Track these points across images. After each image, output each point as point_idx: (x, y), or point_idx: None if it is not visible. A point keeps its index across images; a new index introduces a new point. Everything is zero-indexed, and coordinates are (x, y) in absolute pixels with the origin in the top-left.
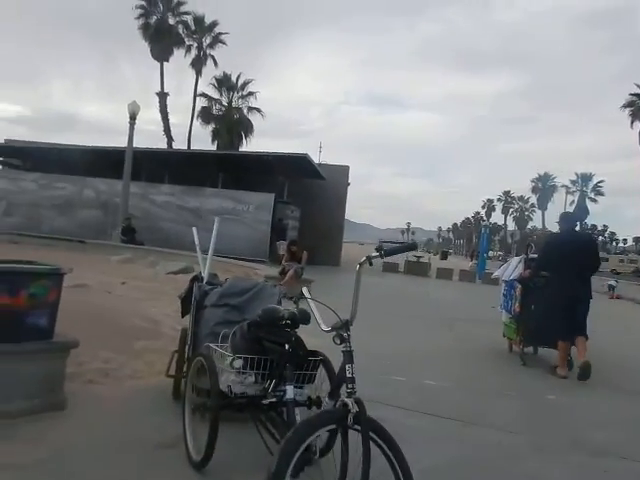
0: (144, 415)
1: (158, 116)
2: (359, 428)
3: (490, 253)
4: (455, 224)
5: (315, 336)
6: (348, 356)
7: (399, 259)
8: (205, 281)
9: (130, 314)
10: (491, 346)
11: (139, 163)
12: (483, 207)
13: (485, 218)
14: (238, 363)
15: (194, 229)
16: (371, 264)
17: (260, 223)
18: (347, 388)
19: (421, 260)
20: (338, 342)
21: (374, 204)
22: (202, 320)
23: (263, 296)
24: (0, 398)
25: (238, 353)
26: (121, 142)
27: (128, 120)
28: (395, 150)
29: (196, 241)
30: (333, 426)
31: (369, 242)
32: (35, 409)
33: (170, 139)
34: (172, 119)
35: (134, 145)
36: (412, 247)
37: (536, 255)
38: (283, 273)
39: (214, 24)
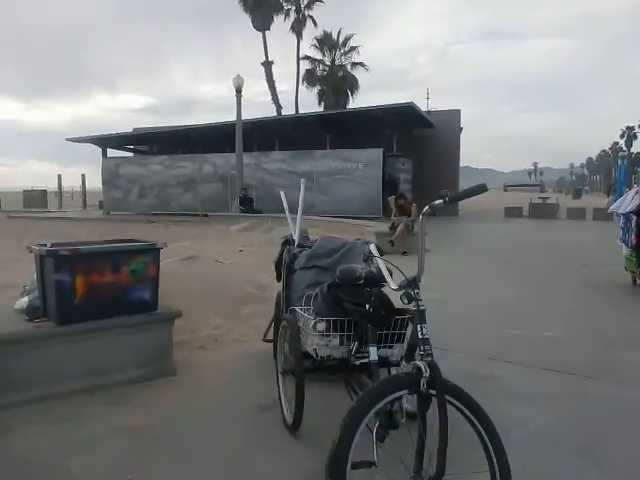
0: (248, 379)
1: (265, 86)
2: (434, 393)
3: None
4: (590, 158)
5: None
6: (420, 316)
7: (523, 201)
8: (296, 244)
9: (239, 281)
10: (617, 281)
11: (251, 134)
12: (622, 136)
13: (625, 148)
14: (321, 326)
15: (282, 193)
16: (434, 214)
17: (371, 179)
18: (420, 350)
19: (548, 201)
20: (406, 301)
21: (495, 147)
22: (293, 284)
23: (353, 255)
24: (115, 367)
25: (320, 315)
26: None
27: (235, 94)
28: (515, 86)
29: (285, 205)
30: (405, 391)
31: (493, 187)
32: (147, 376)
33: (279, 107)
34: (279, 86)
35: (246, 117)
36: (481, 189)
37: None
38: (393, 228)
39: None
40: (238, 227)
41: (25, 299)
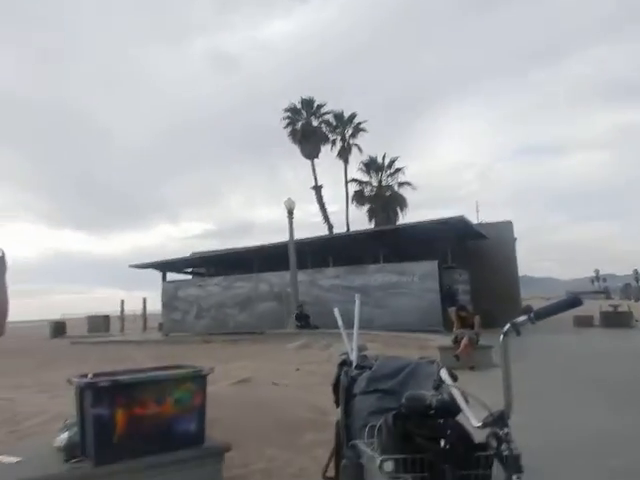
0: None
1: (317, 207)
2: None
3: None
4: None
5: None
6: (513, 463)
7: (592, 310)
8: (354, 365)
9: (296, 405)
10: None
11: (304, 252)
12: None
13: None
14: (388, 466)
15: (335, 310)
16: (518, 333)
17: (427, 292)
18: None
19: (619, 309)
20: (494, 444)
21: (553, 255)
22: (353, 411)
23: (418, 376)
24: None
25: (387, 452)
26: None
27: (287, 215)
28: (563, 196)
29: (339, 322)
30: None
31: (553, 295)
32: None
33: (330, 226)
34: (330, 207)
35: (300, 237)
36: (575, 302)
37: None
38: (457, 342)
39: (353, 116)
40: (295, 345)
41: (65, 435)
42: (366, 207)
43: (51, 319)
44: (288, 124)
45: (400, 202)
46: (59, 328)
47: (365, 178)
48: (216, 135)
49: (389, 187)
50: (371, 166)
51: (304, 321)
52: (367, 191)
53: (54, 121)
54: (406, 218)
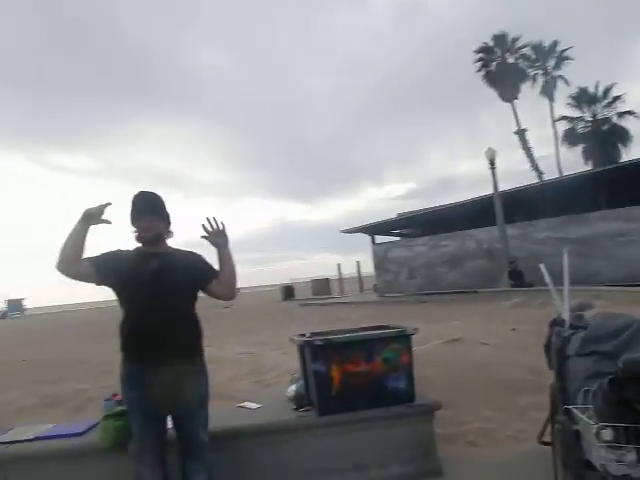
0: None
1: (522, 154)
2: None
3: None
4: None
5: None
6: None
7: None
8: (567, 324)
9: (511, 365)
10: None
11: (512, 205)
12: None
13: None
14: (607, 434)
15: (541, 266)
16: None
17: None
18: None
19: None
20: None
21: None
22: (567, 374)
23: None
24: (377, 463)
25: (603, 419)
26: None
27: (489, 166)
28: None
29: (547, 278)
30: None
31: None
32: (411, 475)
33: (540, 173)
34: (537, 152)
35: (504, 188)
36: None
37: None
38: None
39: (555, 44)
40: (509, 303)
41: (293, 387)
42: (580, 147)
43: (281, 284)
44: (482, 67)
45: (622, 136)
46: (289, 292)
47: (576, 114)
48: (407, 90)
49: (606, 120)
50: (582, 99)
51: (518, 279)
52: (579, 128)
53: (265, 99)
54: (631, 154)
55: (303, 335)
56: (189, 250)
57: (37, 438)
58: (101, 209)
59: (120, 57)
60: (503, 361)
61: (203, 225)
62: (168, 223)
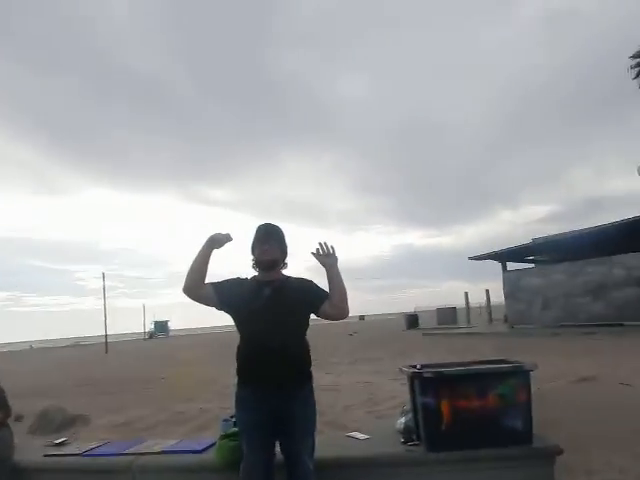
0: None
1: None
2: None
3: None
4: None
5: None
6: None
7: None
8: None
9: None
10: None
11: None
12: None
13: None
14: None
15: None
16: None
17: None
18: None
19: None
20: None
21: None
22: None
23: None
24: None
25: None
26: None
27: None
28: None
29: None
30: None
31: None
32: None
33: None
34: None
35: None
36: None
37: None
38: None
39: None
40: None
41: (402, 420)
42: None
43: (405, 312)
44: (638, 74)
45: None
46: (413, 320)
47: None
48: (549, 104)
49: None
50: None
51: None
52: None
53: (391, 128)
54: None
55: (414, 366)
56: (300, 277)
57: (163, 452)
58: (227, 236)
59: (262, 92)
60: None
61: (316, 248)
62: (285, 253)
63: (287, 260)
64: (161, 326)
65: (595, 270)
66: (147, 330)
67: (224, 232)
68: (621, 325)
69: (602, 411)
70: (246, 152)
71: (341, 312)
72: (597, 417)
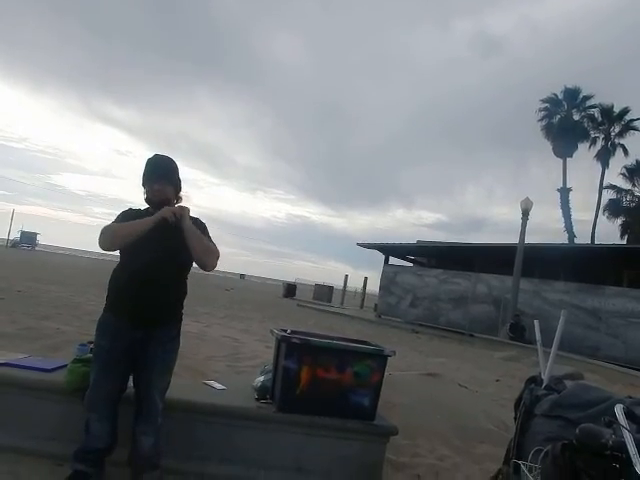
0: None
1: (559, 213)
2: None
3: None
4: None
5: None
6: None
7: None
8: (544, 385)
9: (481, 413)
10: None
11: (533, 259)
12: None
13: None
14: None
15: (536, 322)
16: None
17: None
18: None
19: None
20: None
21: None
22: (529, 431)
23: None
24: (321, 471)
25: None
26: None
27: (521, 216)
28: None
29: (537, 335)
30: None
31: None
32: None
33: (572, 235)
34: (576, 215)
35: (531, 241)
36: None
37: None
38: None
39: (625, 112)
40: (502, 355)
41: (260, 378)
42: (620, 220)
43: (285, 281)
44: (544, 117)
45: None
46: (291, 289)
47: (626, 186)
48: (462, 122)
49: None
50: (636, 172)
51: (518, 333)
52: (625, 201)
53: (317, 102)
54: None
55: (285, 330)
56: (197, 217)
57: (7, 364)
58: (179, 218)
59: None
60: (476, 407)
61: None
62: (178, 189)
63: (182, 194)
64: (28, 237)
65: (462, 282)
66: (11, 238)
67: (177, 210)
68: (472, 336)
69: (437, 406)
70: (161, 81)
71: (203, 265)
72: (431, 409)
